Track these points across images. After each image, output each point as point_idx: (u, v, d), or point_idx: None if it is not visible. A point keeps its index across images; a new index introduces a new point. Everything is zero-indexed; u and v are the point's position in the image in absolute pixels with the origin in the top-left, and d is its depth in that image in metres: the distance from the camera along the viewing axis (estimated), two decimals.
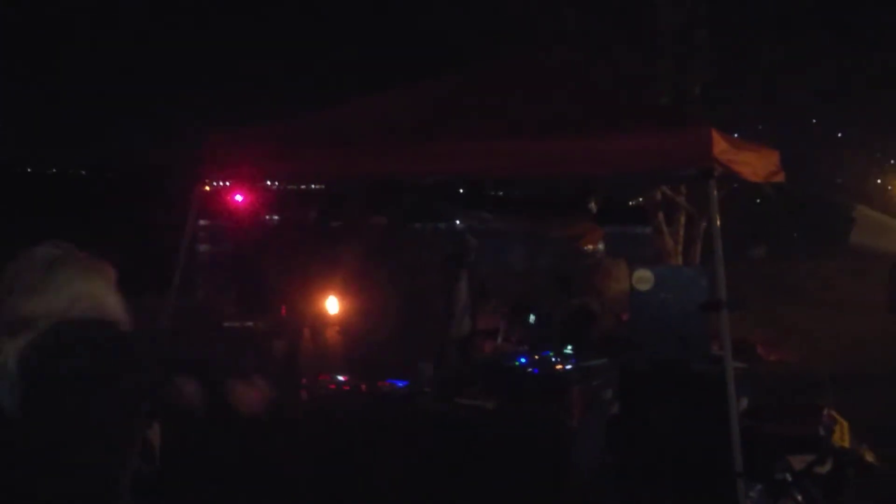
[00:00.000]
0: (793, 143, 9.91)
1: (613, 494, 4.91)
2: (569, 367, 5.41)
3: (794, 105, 11.54)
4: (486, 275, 8.47)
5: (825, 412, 5.18)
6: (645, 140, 4.63)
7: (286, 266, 7.00)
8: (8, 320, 2.47)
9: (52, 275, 2.53)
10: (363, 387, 5.47)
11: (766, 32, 10.86)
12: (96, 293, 2.58)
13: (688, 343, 5.02)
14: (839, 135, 13.75)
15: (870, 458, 5.04)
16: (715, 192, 4.55)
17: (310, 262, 6.97)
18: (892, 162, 16.58)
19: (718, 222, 4.66)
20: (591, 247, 9.28)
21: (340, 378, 5.61)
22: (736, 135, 5.89)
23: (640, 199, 12.41)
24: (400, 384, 5.45)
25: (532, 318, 7.05)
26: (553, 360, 5.57)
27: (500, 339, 7.02)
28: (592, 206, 8.39)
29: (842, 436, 5.11)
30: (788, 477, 4.75)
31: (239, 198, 6.07)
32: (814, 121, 12.59)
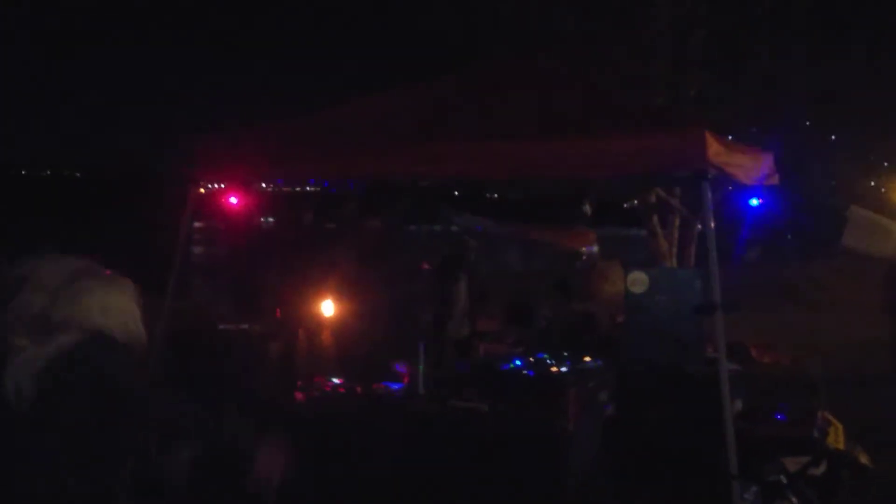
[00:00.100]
0: (787, 146, 9.92)
1: (608, 496, 4.92)
2: (564, 369, 5.41)
3: (788, 107, 11.57)
4: (485, 276, 8.46)
5: (819, 414, 5.20)
6: (639, 141, 4.62)
7: (281, 268, 7.01)
8: (37, 323, 2.48)
9: (83, 284, 2.57)
10: (358, 389, 5.46)
11: (762, 35, 10.90)
12: (125, 307, 2.64)
13: (682, 345, 5.04)
14: (833, 137, 13.80)
15: (864, 459, 5.06)
16: (709, 195, 4.57)
17: (305, 265, 6.97)
18: (886, 165, 16.61)
19: (713, 225, 4.67)
20: (584, 248, 9.31)
21: (335, 380, 5.60)
22: (730, 137, 5.91)
23: (635, 202, 12.43)
24: (395, 386, 5.45)
25: (532, 322, 7.07)
26: (548, 362, 5.56)
27: (494, 341, 7.03)
28: (587, 208, 8.41)
29: (836, 438, 5.12)
30: (783, 479, 4.77)
31: (234, 200, 6.05)
32: (808, 123, 12.64)
